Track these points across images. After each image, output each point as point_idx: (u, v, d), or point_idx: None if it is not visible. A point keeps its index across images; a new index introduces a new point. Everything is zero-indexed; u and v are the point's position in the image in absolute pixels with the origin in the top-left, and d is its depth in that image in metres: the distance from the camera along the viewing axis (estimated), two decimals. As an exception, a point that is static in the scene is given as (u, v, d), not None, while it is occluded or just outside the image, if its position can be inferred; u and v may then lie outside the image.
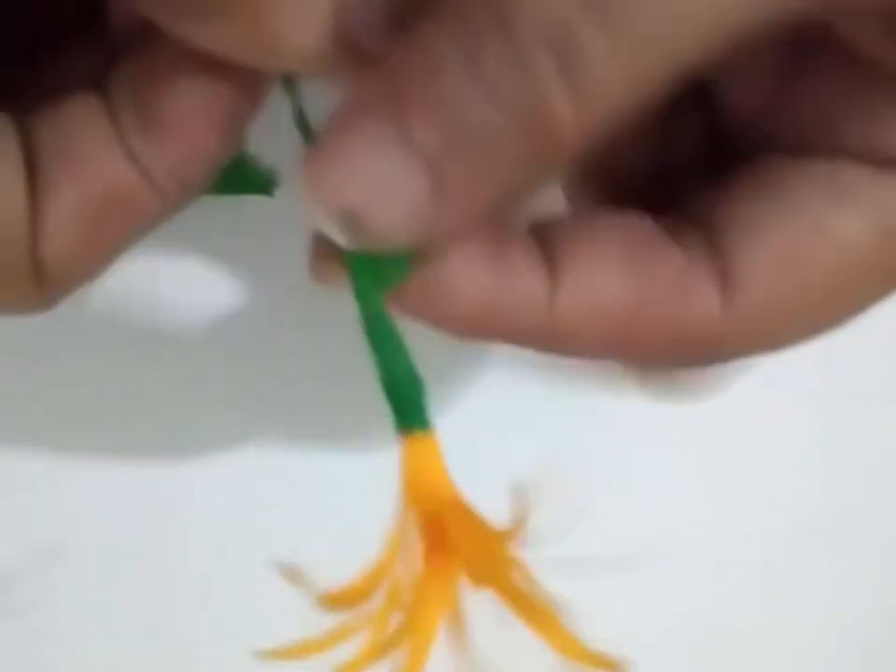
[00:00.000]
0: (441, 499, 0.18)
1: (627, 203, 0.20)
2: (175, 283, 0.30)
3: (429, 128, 0.16)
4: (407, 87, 0.16)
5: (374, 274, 0.18)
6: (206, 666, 0.31)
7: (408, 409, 0.19)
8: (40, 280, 0.18)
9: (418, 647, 0.18)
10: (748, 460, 0.33)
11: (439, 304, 0.19)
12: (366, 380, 0.19)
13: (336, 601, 0.18)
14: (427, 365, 0.19)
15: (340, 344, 0.23)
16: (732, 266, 0.19)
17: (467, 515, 0.18)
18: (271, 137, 0.20)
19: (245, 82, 0.18)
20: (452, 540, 0.18)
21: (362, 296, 0.19)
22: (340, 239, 0.17)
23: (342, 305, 0.19)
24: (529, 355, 0.20)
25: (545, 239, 0.19)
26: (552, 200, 0.21)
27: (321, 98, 0.18)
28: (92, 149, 0.18)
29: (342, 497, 0.30)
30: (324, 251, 0.19)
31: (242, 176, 0.21)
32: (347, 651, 0.18)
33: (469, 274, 0.19)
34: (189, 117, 0.18)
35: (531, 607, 0.18)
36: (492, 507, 0.18)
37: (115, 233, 0.18)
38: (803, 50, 0.19)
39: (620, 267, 0.19)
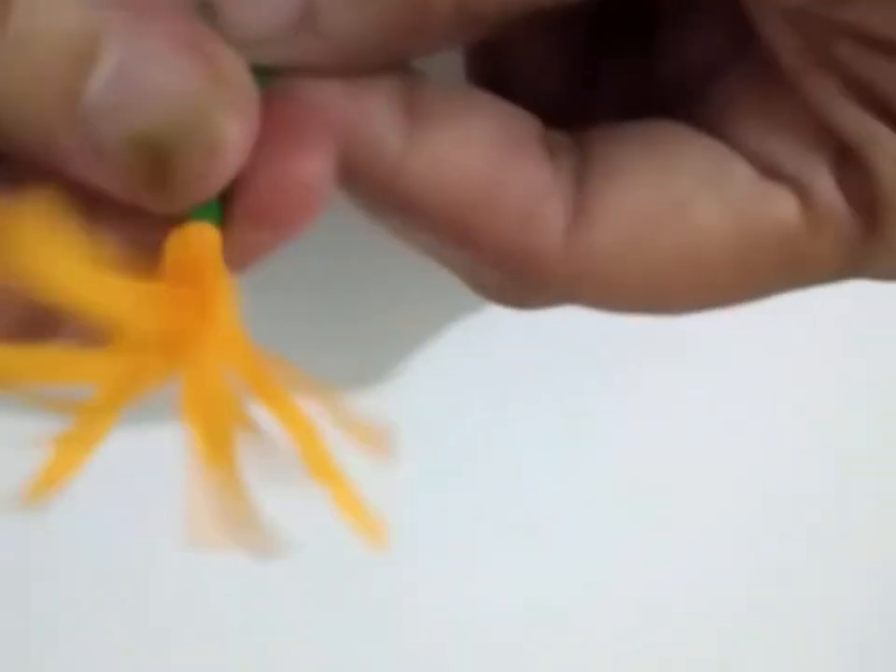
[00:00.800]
0: (202, 278, 0.16)
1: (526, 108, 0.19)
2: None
3: None
4: None
5: None
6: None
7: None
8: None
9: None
10: (747, 460, 0.32)
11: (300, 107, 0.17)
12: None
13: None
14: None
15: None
16: (588, 204, 0.18)
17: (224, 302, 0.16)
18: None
19: None
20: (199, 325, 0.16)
21: None
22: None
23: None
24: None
25: (417, 96, 0.18)
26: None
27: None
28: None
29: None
30: None
31: None
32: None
33: (328, 91, 0.17)
34: None
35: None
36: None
37: None
38: (745, 35, 0.18)
39: (483, 148, 0.18)
